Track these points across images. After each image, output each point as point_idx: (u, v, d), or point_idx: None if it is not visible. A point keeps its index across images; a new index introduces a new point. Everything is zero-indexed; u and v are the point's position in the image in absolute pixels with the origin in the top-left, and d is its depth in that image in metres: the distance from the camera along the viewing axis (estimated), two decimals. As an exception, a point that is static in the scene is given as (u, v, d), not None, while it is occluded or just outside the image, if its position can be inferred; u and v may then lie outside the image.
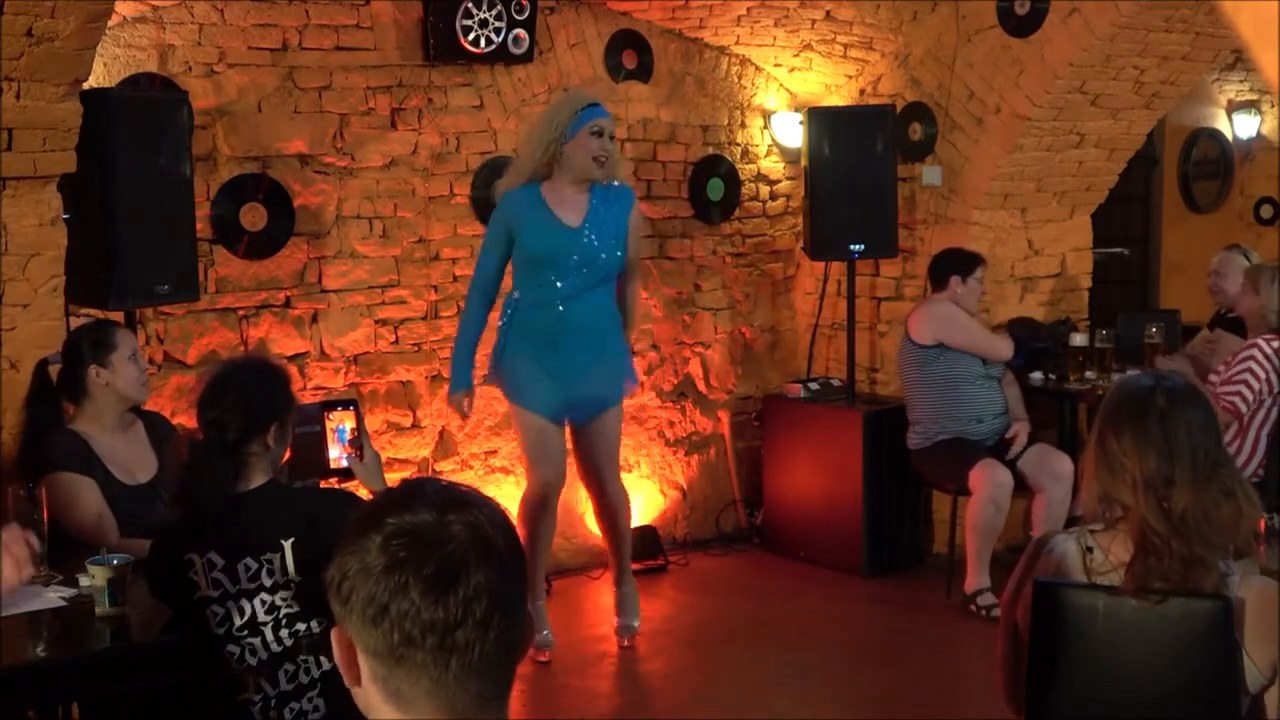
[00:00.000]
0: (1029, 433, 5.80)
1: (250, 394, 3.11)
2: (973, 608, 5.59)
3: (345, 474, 3.50)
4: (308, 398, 5.39)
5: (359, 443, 3.43)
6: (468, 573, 1.38)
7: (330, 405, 3.50)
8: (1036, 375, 6.10)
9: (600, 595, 5.98)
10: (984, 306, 6.12)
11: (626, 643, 5.32)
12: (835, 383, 6.51)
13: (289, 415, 3.18)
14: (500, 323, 5.05)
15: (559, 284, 4.90)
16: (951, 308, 5.86)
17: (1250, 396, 5.24)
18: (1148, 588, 2.55)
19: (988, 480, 5.57)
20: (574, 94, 5.14)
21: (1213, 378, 5.39)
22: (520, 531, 5.03)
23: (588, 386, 4.99)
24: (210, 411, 3.09)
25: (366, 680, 1.44)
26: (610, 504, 5.19)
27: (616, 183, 5.02)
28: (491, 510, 1.45)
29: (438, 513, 1.42)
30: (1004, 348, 5.90)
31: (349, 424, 3.44)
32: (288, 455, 3.34)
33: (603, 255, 4.92)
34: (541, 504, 5.05)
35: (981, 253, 5.98)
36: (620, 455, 5.35)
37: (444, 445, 5.94)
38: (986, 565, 5.65)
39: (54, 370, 4.11)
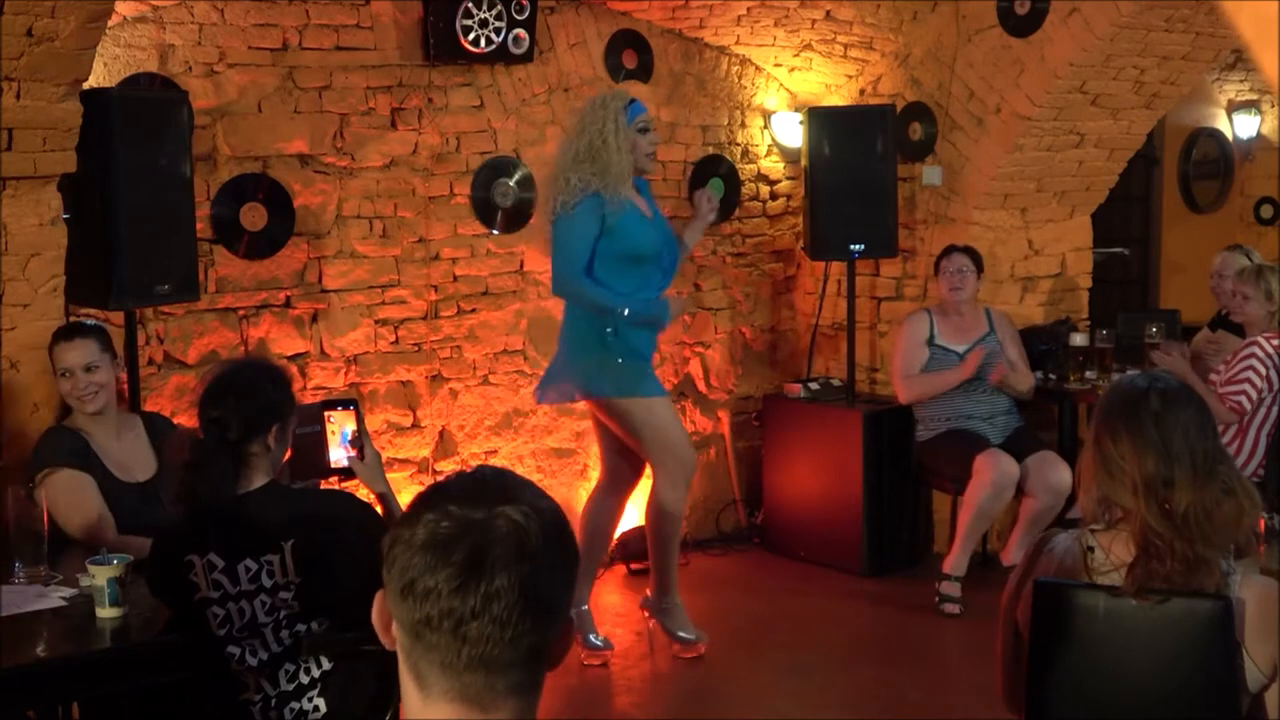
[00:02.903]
0: (1003, 371, 5.80)
1: (252, 394, 3.11)
2: (936, 588, 5.65)
3: (346, 474, 3.50)
4: (308, 398, 5.40)
5: (359, 442, 3.42)
6: (494, 571, 1.40)
7: (330, 405, 3.49)
8: (1036, 375, 6.10)
9: (601, 595, 5.98)
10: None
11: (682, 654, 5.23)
12: (835, 383, 6.51)
13: (290, 416, 3.18)
14: (611, 335, 4.92)
15: (663, 278, 5.05)
16: (914, 321, 6.01)
17: (1254, 394, 5.23)
18: (1149, 588, 2.55)
19: (993, 467, 5.56)
20: (613, 94, 5.13)
21: (1213, 377, 5.38)
22: (666, 529, 5.04)
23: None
24: (212, 411, 3.09)
25: (398, 648, 1.48)
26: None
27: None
28: (540, 510, 1.46)
29: (489, 505, 1.44)
30: (898, 389, 6.03)
31: (349, 424, 3.44)
32: (288, 455, 3.34)
33: (674, 244, 5.09)
34: (687, 490, 5.08)
35: (959, 244, 6.00)
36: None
37: (444, 445, 5.94)
38: (969, 551, 5.68)
39: None
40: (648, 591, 5.26)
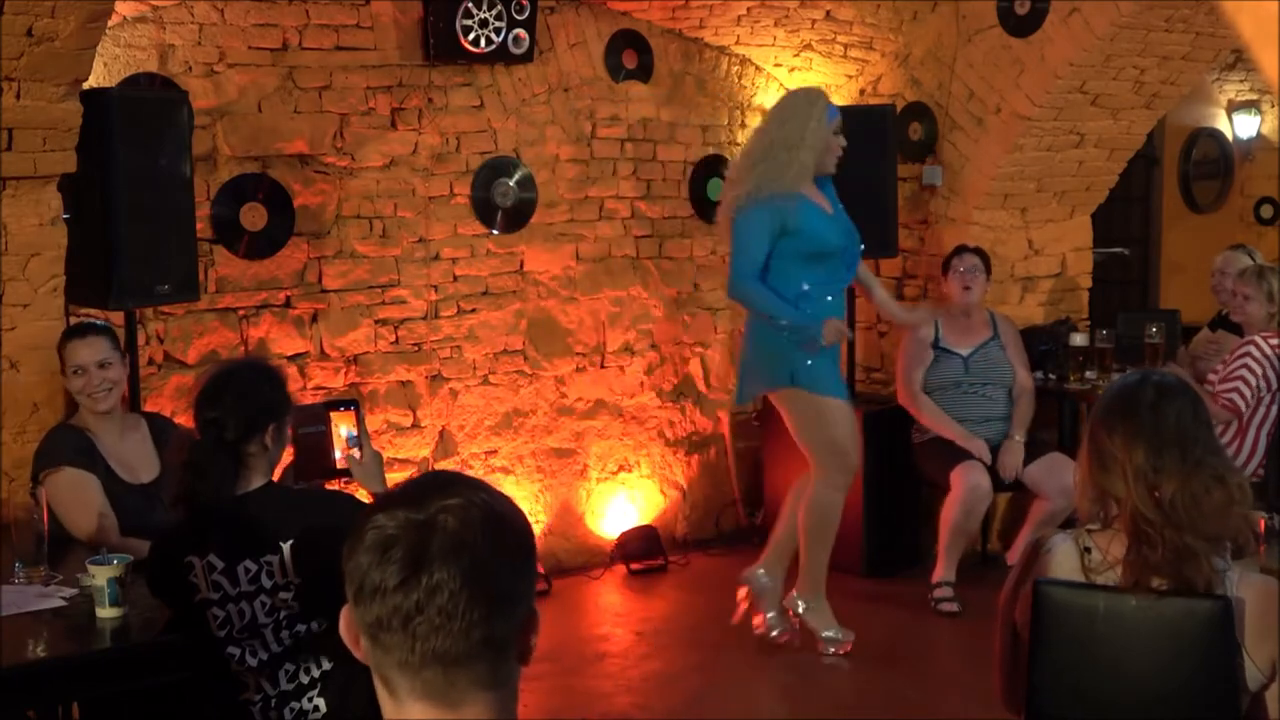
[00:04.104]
0: (1018, 455, 5.79)
1: (248, 395, 3.11)
2: (930, 596, 5.68)
3: (349, 474, 3.50)
4: (308, 398, 5.40)
5: (358, 443, 3.42)
6: (433, 565, 1.43)
7: (333, 405, 3.49)
8: (1037, 375, 6.10)
9: (600, 595, 5.99)
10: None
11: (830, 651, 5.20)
12: (835, 383, 6.50)
13: (286, 416, 3.18)
14: (789, 326, 4.92)
15: (847, 272, 5.08)
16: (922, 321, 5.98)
17: (1248, 393, 5.23)
18: (1145, 583, 2.56)
19: (962, 482, 5.61)
20: (817, 92, 5.13)
21: (1211, 377, 5.38)
22: (820, 528, 5.04)
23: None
24: (209, 412, 3.09)
25: (364, 656, 1.50)
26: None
27: None
28: (486, 506, 1.49)
29: (430, 502, 1.47)
30: (900, 390, 6.02)
31: (351, 424, 3.44)
32: (292, 456, 3.35)
33: (859, 242, 5.11)
34: (845, 493, 5.08)
35: (970, 244, 6.01)
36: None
37: (444, 445, 5.94)
38: (954, 561, 5.70)
39: None
40: (794, 590, 5.21)
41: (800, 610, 5.19)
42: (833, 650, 5.16)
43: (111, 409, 3.97)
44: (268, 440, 3.10)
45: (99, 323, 4.24)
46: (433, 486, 1.50)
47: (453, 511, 1.46)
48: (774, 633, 5.21)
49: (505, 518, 1.50)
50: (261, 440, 3.09)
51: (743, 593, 5.28)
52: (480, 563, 1.44)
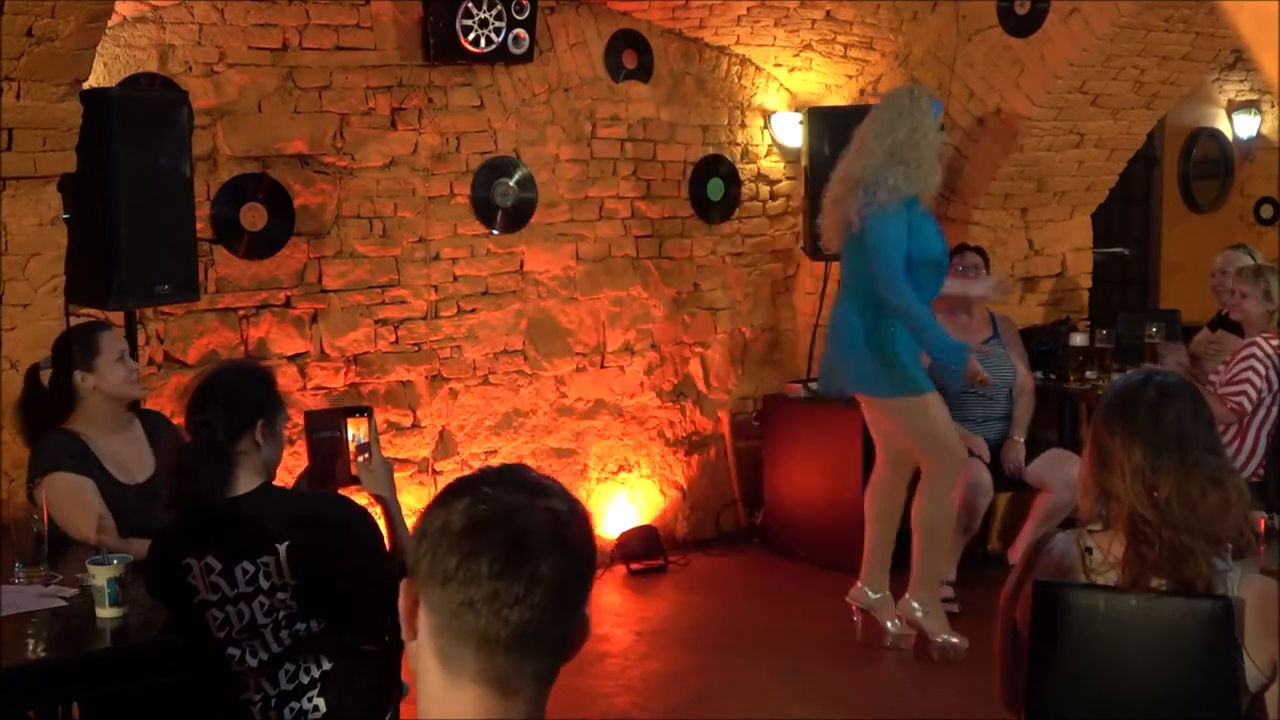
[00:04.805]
0: (1019, 453, 5.81)
1: (235, 393, 3.13)
2: None
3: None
4: (308, 397, 5.41)
5: (366, 449, 3.43)
6: (538, 556, 1.44)
7: (349, 412, 3.50)
8: (1037, 375, 6.10)
9: (600, 595, 5.99)
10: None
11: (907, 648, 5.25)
12: (835, 383, 6.50)
13: (276, 414, 3.18)
14: (893, 334, 4.90)
15: (940, 281, 5.02)
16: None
17: (1254, 395, 5.23)
18: (1144, 582, 2.57)
19: (964, 479, 5.60)
20: (921, 88, 5.10)
21: (1213, 378, 5.38)
22: (941, 526, 5.09)
23: None
24: (198, 415, 3.10)
25: (423, 635, 1.49)
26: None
27: None
28: (575, 504, 1.52)
29: (527, 494, 1.48)
30: None
31: (364, 431, 3.45)
32: (308, 462, 3.35)
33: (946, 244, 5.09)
34: (953, 489, 5.13)
35: (970, 243, 6.01)
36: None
37: (444, 445, 5.94)
38: (955, 560, 5.70)
39: (45, 375, 4.10)
40: (907, 594, 5.19)
41: (918, 615, 5.17)
42: (949, 653, 5.11)
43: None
44: (258, 437, 3.10)
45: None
46: (522, 478, 1.51)
47: (556, 507, 1.48)
48: (889, 642, 5.26)
49: (591, 525, 1.54)
50: (251, 438, 3.09)
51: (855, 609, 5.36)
52: (574, 563, 1.47)
